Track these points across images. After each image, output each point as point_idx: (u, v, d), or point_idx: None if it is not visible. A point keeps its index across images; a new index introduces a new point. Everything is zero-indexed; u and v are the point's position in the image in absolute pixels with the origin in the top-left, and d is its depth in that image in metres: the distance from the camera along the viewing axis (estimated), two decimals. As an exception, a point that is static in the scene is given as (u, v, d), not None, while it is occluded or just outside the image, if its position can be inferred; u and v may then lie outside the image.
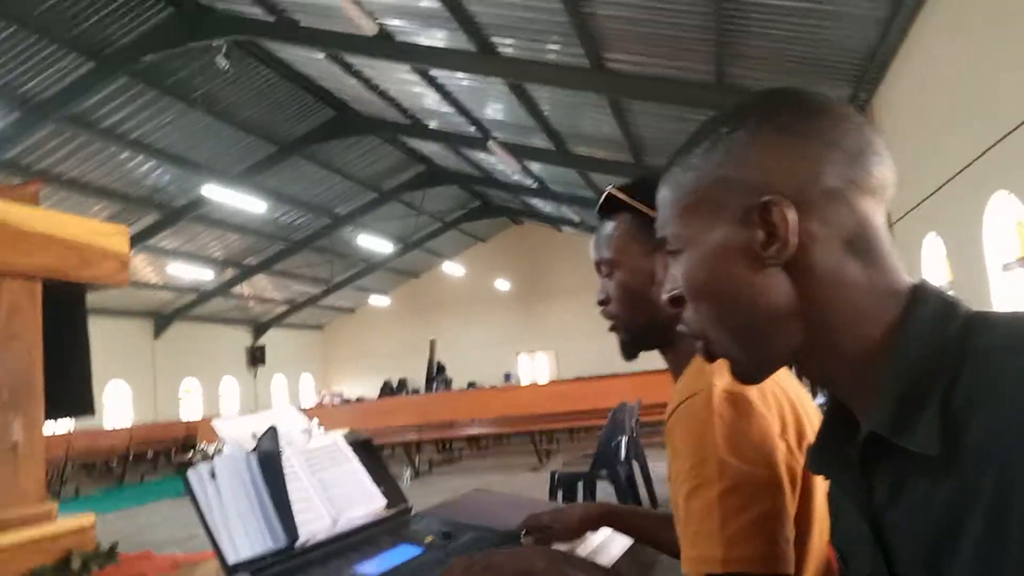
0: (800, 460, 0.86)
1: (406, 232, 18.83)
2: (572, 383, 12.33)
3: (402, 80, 10.86)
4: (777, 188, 0.57)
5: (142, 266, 15.12)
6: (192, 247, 15.38)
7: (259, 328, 21.59)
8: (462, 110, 11.26)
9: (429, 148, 15.09)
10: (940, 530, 0.49)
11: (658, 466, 6.18)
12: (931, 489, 0.50)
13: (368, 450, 1.53)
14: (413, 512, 1.53)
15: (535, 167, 13.72)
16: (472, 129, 11.98)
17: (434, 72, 9.91)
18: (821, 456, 0.65)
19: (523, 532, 1.30)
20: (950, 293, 0.57)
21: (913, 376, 0.52)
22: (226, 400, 20.39)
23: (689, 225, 0.63)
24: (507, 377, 22.09)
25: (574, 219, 16.72)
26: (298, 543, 1.17)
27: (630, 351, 1.11)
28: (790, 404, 0.89)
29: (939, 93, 5.40)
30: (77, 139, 10.70)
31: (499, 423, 9.45)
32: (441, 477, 8.36)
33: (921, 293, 0.57)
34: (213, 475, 1.11)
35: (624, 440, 4.64)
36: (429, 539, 1.36)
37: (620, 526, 1.26)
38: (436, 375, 16.23)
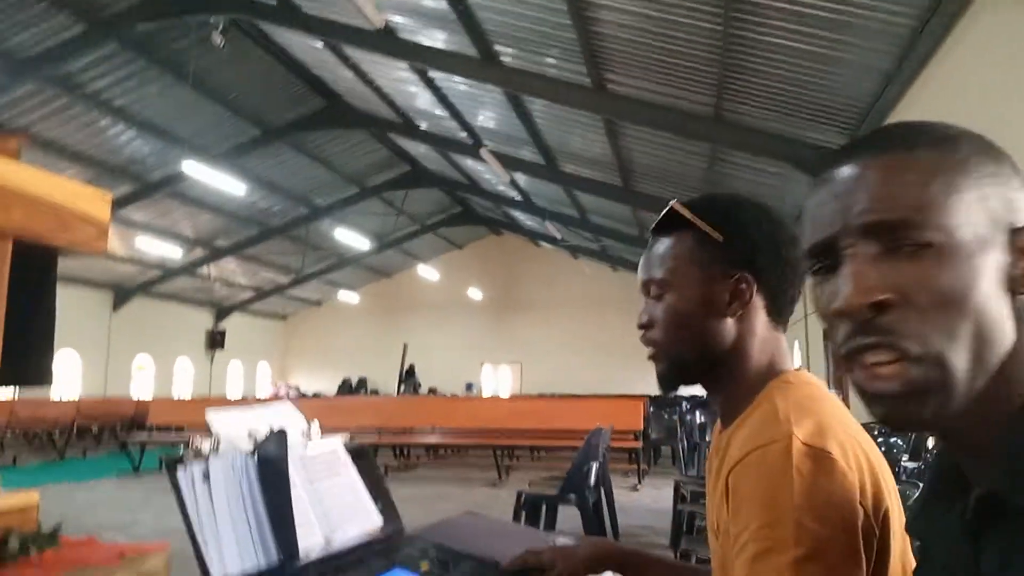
0: (877, 530, 0.77)
1: (383, 230, 18.64)
2: (536, 400, 12.24)
3: (398, 78, 10.76)
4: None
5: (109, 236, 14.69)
6: (163, 223, 15.00)
7: (221, 312, 21.15)
8: (456, 114, 11.18)
9: (417, 149, 14.97)
10: None
11: (619, 493, 6.12)
12: None
13: (366, 461, 1.42)
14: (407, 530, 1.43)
15: (521, 180, 13.68)
16: (463, 135, 11.90)
17: (432, 73, 9.82)
18: (922, 519, 0.60)
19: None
20: None
21: None
22: (179, 381, 19.89)
23: (954, 218, 0.54)
24: (469, 387, 21.96)
25: (555, 235, 16.70)
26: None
27: (670, 383, 1.00)
28: (869, 465, 0.80)
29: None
30: (59, 100, 10.39)
31: (460, 434, 9.31)
32: (397, 484, 8.18)
33: None
34: (206, 477, 0.99)
35: (595, 466, 4.56)
36: (425, 567, 1.26)
37: (628, 572, 1.16)
38: (407, 378, 16.05)
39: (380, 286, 23.98)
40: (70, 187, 2.48)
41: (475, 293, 22.41)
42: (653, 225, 1.01)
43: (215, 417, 1.11)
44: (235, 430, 1.13)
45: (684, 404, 11.34)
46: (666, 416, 9.95)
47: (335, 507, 1.25)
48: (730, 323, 0.95)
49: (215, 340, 20.67)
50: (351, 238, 15.71)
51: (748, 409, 0.91)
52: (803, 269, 0.97)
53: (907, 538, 0.82)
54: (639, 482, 8.30)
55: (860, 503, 0.76)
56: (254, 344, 22.88)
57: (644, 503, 6.95)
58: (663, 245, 0.99)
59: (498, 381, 22.82)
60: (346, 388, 22.57)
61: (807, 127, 7.25)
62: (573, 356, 21.56)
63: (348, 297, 22.65)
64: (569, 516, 4.57)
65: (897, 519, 0.80)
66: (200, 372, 20.41)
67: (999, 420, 0.52)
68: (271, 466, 1.05)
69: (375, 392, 21.96)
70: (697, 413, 9.57)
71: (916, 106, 5.89)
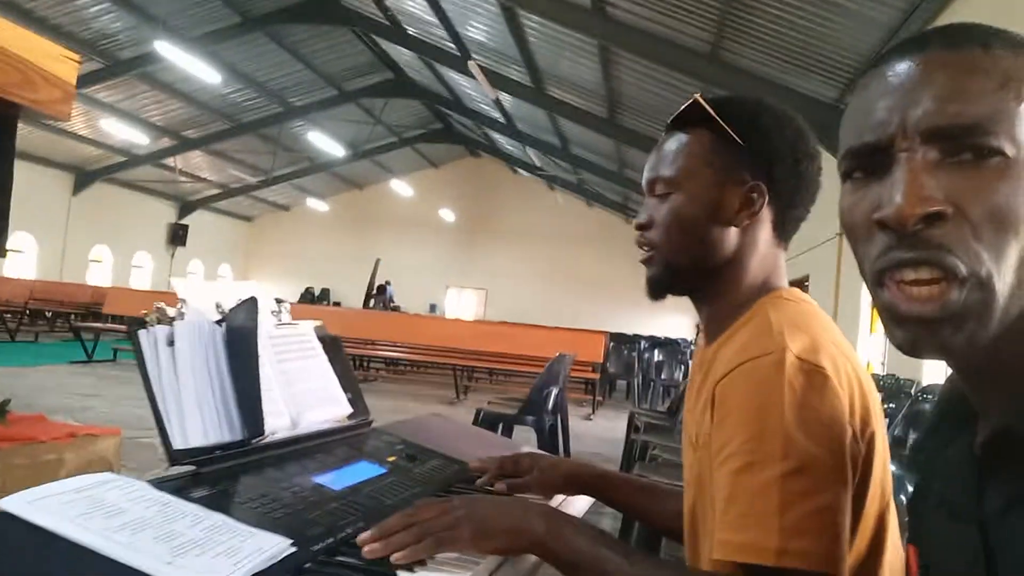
0: (862, 450, 0.75)
1: (359, 139, 18.14)
2: (500, 325, 12.30)
3: (389, -24, 10.24)
4: None
5: (73, 114, 14.01)
6: (130, 106, 14.32)
7: (185, 207, 20.59)
8: (446, 23, 10.73)
9: (401, 56, 14.44)
10: None
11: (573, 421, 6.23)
12: None
13: (337, 350, 1.36)
14: (373, 426, 1.39)
15: (506, 101, 13.34)
16: (452, 46, 11.47)
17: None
18: (924, 453, 0.59)
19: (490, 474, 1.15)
20: None
21: None
22: (138, 276, 19.49)
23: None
24: (432, 308, 21.99)
25: (534, 162, 16.45)
26: (256, 440, 1.01)
27: (659, 289, 0.95)
28: (859, 386, 0.77)
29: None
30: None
31: (423, 351, 9.34)
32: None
33: None
34: (171, 342, 0.91)
35: (555, 391, 4.60)
36: (392, 458, 1.23)
37: (610, 495, 1.13)
38: (377, 294, 15.95)
39: (351, 197, 23.54)
40: (37, 42, 2.29)
41: (447, 214, 22.15)
42: (671, 118, 0.93)
43: (181, 284, 1.03)
44: (203, 299, 1.05)
45: (643, 343, 11.54)
46: (625, 352, 10.11)
47: (303, 390, 1.20)
48: (734, 232, 0.90)
49: (177, 236, 20.18)
50: (325, 143, 15.25)
51: (738, 323, 0.87)
52: (817, 187, 0.93)
53: (888, 464, 0.80)
54: (593, 412, 8.47)
55: (849, 422, 0.74)
56: (217, 244, 22.43)
57: (596, 432, 7.10)
58: (677, 142, 0.93)
59: (462, 305, 22.87)
60: (308, 297, 22.41)
61: (801, 76, 7.13)
62: (540, 287, 21.66)
63: (317, 205, 22.21)
64: (524, 438, 4.63)
65: (881, 443, 0.78)
66: (159, 268, 19.99)
67: (1004, 352, 0.48)
68: (240, 336, 0.98)
69: (337, 304, 21.87)
70: (655, 351, 9.75)
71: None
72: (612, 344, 10.22)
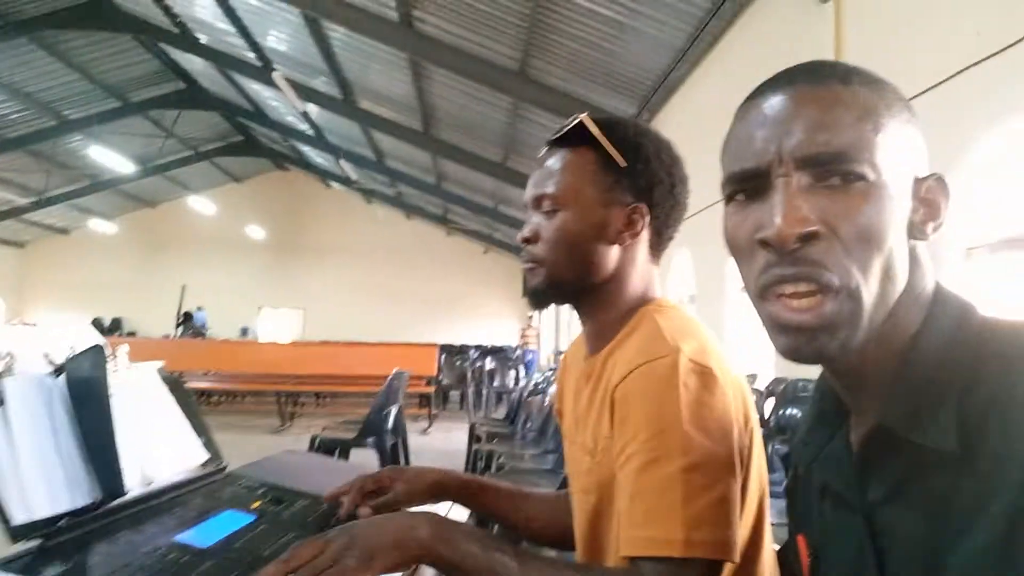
0: (746, 443, 0.82)
1: (149, 154, 16.58)
2: (323, 345, 11.85)
3: (178, -19, 9.51)
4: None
5: None
6: None
7: (-63, 235, 17.64)
8: (243, 32, 10.16)
9: (194, 65, 13.45)
10: (946, 530, 0.48)
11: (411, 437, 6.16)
12: (941, 487, 0.49)
13: (181, 392, 1.25)
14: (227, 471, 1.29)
15: (314, 112, 12.89)
16: (251, 55, 10.88)
17: (220, -20, 8.80)
18: (808, 448, 0.63)
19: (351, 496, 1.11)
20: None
21: (931, 374, 0.52)
22: None
23: (884, 158, 0.55)
24: (244, 331, 20.66)
25: (349, 176, 16.03)
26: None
27: (541, 300, 0.98)
28: (738, 386, 0.85)
29: (702, 131, 6.01)
30: None
31: (241, 379, 8.74)
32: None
33: (940, 294, 0.57)
34: (0, 402, 0.78)
35: (394, 410, 4.52)
36: (257, 504, 1.15)
37: (475, 501, 1.13)
38: (184, 321, 14.69)
39: (142, 216, 21.48)
40: None
41: (255, 231, 20.93)
42: (554, 135, 0.96)
43: (2, 334, 0.88)
44: (28, 349, 0.91)
45: (473, 352, 11.68)
46: (457, 363, 10.17)
47: (152, 440, 1.08)
48: (616, 250, 0.95)
49: (-75, 268, 17.23)
50: (109, 158, 13.77)
51: (623, 331, 0.92)
52: (685, 209, 1.00)
53: (763, 455, 0.88)
54: (430, 425, 8.42)
55: (735, 419, 0.80)
56: (-19, 276, 19.47)
57: (435, 446, 7.07)
58: (562, 159, 0.95)
59: (277, 326, 21.71)
60: (98, 329, 20.03)
61: (603, 93, 7.63)
62: (362, 303, 21.15)
63: (103, 226, 20.00)
64: (363, 460, 4.50)
65: (758, 436, 0.86)
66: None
67: (887, 357, 0.55)
68: (86, 388, 0.87)
69: (132, 334, 19.82)
70: (487, 359, 9.92)
71: (702, 85, 6.43)
72: (444, 356, 10.25)
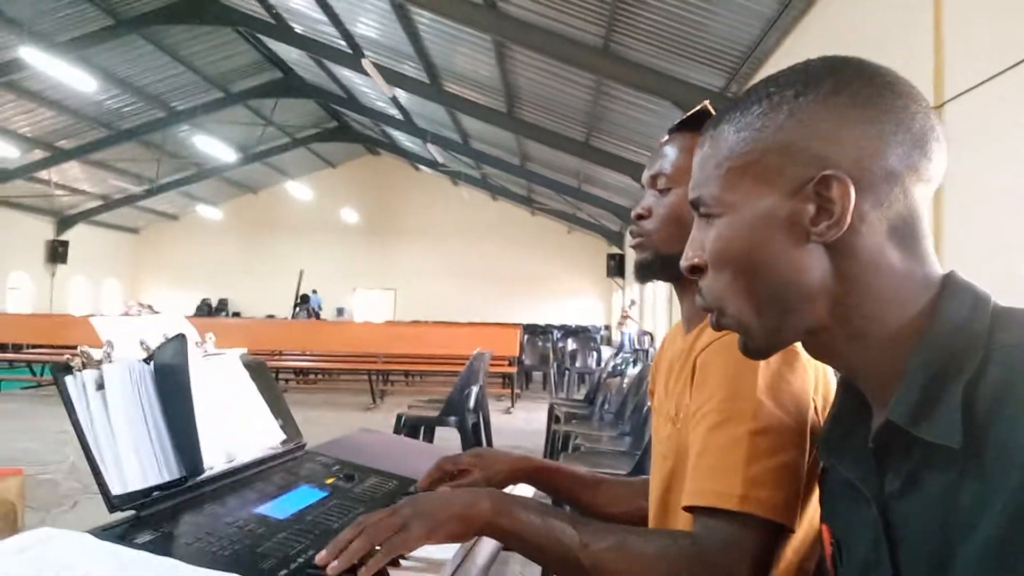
0: (820, 423, 0.83)
1: (249, 142, 17.44)
2: (413, 325, 12.20)
3: (273, -26, 9.88)
4: (838, 162, 0.55)
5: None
6: (-7, 117, 13.21)
7: (64, 221, 19.20)
8: (335, 19, 10.48)
9: (290, 54, 13.98)
10: (954, 524, 0.48)
11: (493, 416, 6.28)
12: (948, 483, 0.49)
13: (263, 375, 1.34)
14: (306, 449, 1.38)
15: (402, 97, 13.17)
16: (343, 43, 11.21)
17: (311, -28, 9.10)
18: (831, 440, 0.65)
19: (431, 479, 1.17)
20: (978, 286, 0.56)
21: (937, 368, 0.52)
22: (16, 298, 18.03)
23: (734, 189, 0.60)
24: (340, 312, 21.50)
25: (436, 159, 16.33)
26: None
27: (647, 274, 1.03)
28: (825, 377, 0.87)
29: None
30: None
31: (335, 359, 9.13)
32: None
33: (952, 284, 0.56)
34: (100, 386, 0.88)
35: (475, 389, 4.62)
36: (330, 480, 1.23)
37: (552, 485, 1.17)
38: (301, 304, 15.55)
39: (245, 202, 22.64)
40: None
41: (349, 214, 21.68)
42: (677, 122, 1.01)
43: (102, 323, 0.99)
44: (126, 337, 1.01)
45: (556, 332, 11.74)
46: (539, 343, 10.27)
47: (235, 421, 1.17)
48: None
49: (56, 253, 18.79)
50: (213, 147, 14.59)
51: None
52: None
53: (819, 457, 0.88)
54: (512, 405, 8.55)
55: (812, 397, 0.82)
56: (101, 259, 21.05)
57: (517, 425, 7.18)
58: (679, 143, 1.00)
59: (371, 306, 22.48)
60: (205, 310, 21.43)
61: (690, 67, 7.42)
62: (450, 284, 21.57)
63: (209, 212, 21.22)
64: (445, 438, 4.64)
65: None
66: (40, 289, 18.57)
67: (888, 351, 0.56)
68: (170, 374, 0.96)
69: (237, 314, 21.00)
70: (569, 340, 9.96)
71: (794, 54, 6.15)
72: (526, 336, 10.36)
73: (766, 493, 0.74)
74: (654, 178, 1.01)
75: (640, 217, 1.01)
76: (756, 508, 0.74)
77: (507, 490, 1.16)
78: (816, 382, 0.83)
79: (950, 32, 3.63)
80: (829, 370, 0.87)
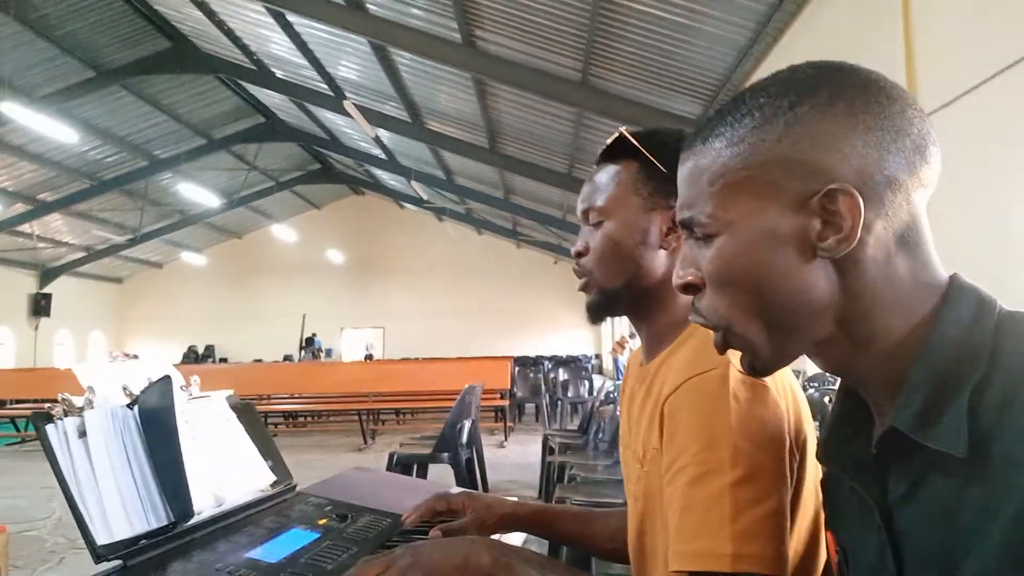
0: (797, 455, 0.80)
1: (233, 187, 17.47)
2: (402, 363, 12.13)
3: (252, 20, 10.00)
4: (842, 174, 0.53)
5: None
6: (-27, 172, 13.18)
7: (47, 274, 19.06)
8: (316, 64, 10.59)
9: (272, 99, 14.09)
10: (960, 533, 0.47)
11: (486, 450, 6.22)
12: (954, 490, 0.48)
13: (251, 417, 1.32)
14: (297, 490, 1.35)
15: (385, 137, 13.28)
16: (324, 86, 11.33)
17: (291, 17, 9.21)
18: (830, 446, 0.64)
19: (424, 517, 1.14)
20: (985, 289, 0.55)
21: (942, 374, 0.51)
22: (-2, 352, 17.80)
23: (730, 206, 0.57)
24: (328, 352, 21.36)
25: (421, 196, 16.41)
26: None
27: (598, 313, 1.00)
28: (792, 395, 0.84)
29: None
30: None
31: (324, 400, 9.03)
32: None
33: (956, 288, 0.55)
34: (83, 433, 0.86)
35: (468, 423, 4.58)
36: (323, 521, 1.20)
37: (546, 529, 1.14)
38: (306, 346, 15.59)
39: (229, 247, 22.60)
40: None
41: (335, 255, 21.68)
42: (600, 152, 0.99)
43: (83, 369, 0.97)
44: (108, 383, 0.99)
45: (547, 363, 11.69)
46: (531, 375, 10.22)
47: (223, 464, 1.15)
48: (663, 255, 0.95)
49: (39, 306, 18.62)
50: (197, 194, 14.61)
51: (678, 339, 0.92)
52: None
53: (819, 466, 0.86)
54: (505, 439, 8.47)
55: (786, 426, 0.79)
56: (85, 311, 20.86)
57: (511, 459, 7.10)
58: (607, 173, 0.98)
59: (359, 345, 22.35)
60: (192, 357, 21.23)
61: (667, 96, 7.54)
62: (438, 319, 21.53)
63: (193, 259, 21.15)
64: (439, 475, 4.58)
65: (812, 445, 0.84)
66: (23, 343, 18.34)
67: (893, 358, 0.55)
68: (156, 418, 0.93)
69: (224, 360, 20.82)
70: (560, 371, 9.92)
71: (766, 80, 6.26)
72: (517, 368, 10.31)
73: (757, 547, 0.72)
74: (586, 213, 0.99)
75: (579, 255, 0.99)
76: (749, 565, 0.71)
77: (496, 538, 1.15)
78: (788, 413, 0.81)
79: (922, 59, 3.72)
80: (798, 390, 0.86)
